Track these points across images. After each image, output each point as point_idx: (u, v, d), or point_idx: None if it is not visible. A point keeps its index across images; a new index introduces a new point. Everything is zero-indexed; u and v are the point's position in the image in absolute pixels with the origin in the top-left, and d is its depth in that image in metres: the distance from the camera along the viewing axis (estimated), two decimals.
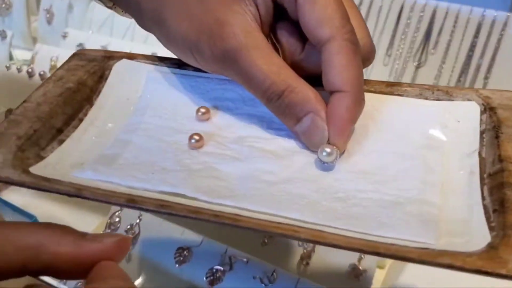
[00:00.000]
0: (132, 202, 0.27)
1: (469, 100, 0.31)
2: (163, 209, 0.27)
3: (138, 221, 0.53)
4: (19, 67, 0.74)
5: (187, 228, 0.52)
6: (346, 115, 0.29)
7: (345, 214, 0.27)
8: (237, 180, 0.29)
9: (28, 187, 0.29)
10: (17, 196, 0.61)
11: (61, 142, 0.32)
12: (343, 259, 0.50)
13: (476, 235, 0.25)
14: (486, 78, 0.61)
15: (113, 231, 0.53)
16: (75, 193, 0.28)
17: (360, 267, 0.49)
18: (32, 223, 0.24)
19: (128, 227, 0.53)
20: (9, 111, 0.66)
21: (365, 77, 0.31)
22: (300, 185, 0.29)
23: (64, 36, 0.80)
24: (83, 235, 0.24)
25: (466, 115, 0.31)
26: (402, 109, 0.32)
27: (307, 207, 0.27)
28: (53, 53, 0.76)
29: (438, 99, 0.32)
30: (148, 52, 0.45)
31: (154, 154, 0.32)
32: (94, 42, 0.76)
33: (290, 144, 0.32)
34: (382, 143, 0.31)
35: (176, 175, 0.30)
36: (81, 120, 0.34)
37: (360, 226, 0.26)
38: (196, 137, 0.32)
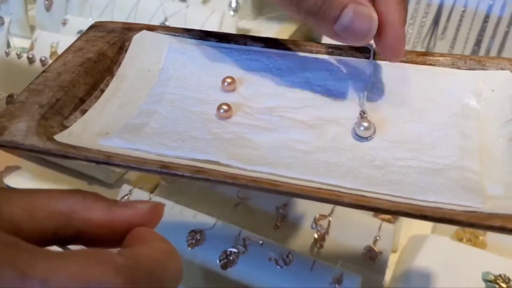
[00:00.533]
0: (166, 168, 0.26)
1: (502, 69, 0.31)
2: (199, 174, 0.26)
3: None
4: (18, 53, 0.72)
5: (199, 211, 0.51)
6: (397, 16, 0.26)
7: (385, 180, 0.26)
8: (270, 149, 0.29)
9: (54, 155, 0.28)
10: (20, 181, 0.59)
11: (83, 112, 0.31)
12: (358, 241, 0.49)
13: None
14: None
15: None
16: (105, 160, 0.27)
17: (376, 249, 0.48)
18: (63, 190, 0.23)
19: None
20: (10, 96, 0.65)
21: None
22: (335, 154, 0.28)
23: (64, 23, 0.78)
24: (115, 202, 0.23)
25: (500, 84, 0.30)
26: (436, 79, 0.31)
27: (345, 173, 0.27)
28: (54, 39, 0.74)
29: (470, 69, 0.31)
30: None
31: (182, 123, 0.31)
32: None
33: (322, 113, 0.31)
34: (417, 112, 0.30)
35: (208, 143, 0.29)
36: (102, 91, 0.33)
37: (402, 191, 0.25)
38: (225, 107, 0.31)
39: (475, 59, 0.32)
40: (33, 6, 0.92)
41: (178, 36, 0.36)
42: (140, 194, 0.53)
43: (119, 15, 0.76)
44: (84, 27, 0.76)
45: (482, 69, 0.31)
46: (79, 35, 0.76)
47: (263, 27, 0.83)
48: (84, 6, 0.81)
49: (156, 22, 0.72)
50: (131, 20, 0.75)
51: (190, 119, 0.31)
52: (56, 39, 0.74)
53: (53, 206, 0.22)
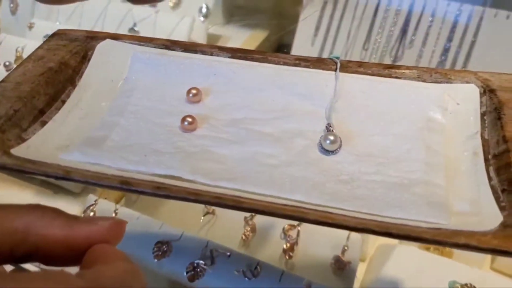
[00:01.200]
0: (126, 184, 0.25)
1: (467, 82, 0.31)
2: (160, 191, 0.25)
3: (114, 215, 0.51)
4: None
5: (166, 222, 0.50)
6: None
7: (351, 196, 0.26)
8: (236, 163, 0.28)
9: (11, 169, 0.26)
10: None
11: (43, 123, 0.30)
12: (327, 251, 0.49)
13: (487, 214, 0.24)
14: None
15: None
16: (64, 176, 0.26)
17: (344, 259, 0.48)
18: (20, 205, 0.22)
19: None
20: None
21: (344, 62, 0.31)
22: (303, 168, 0.28)
23: (30, 27, 0.76)
24: (75, 218, 0.22)
25: (465, 98, 0.30)
26: (402, 92, 0.31)
27: (311, 189, 0.26)
28: (19, 44, 0.72)
29: (436, 82, 0.31)
30: None
31: (145, 136, 0.30)
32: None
33: (288, 126, 0.30)
34: (382, 125, 0.30)
35: (171, 157, 0.28)
36: (63, 102, 0.32)
37: (367, 207, 0.25)
38: (189, 119, 0.30)
39: (441, 72, 0.32)
40: None
41: (143, 45, 0.35)
42: (106, 205, 0.52)
43: (87, 20, 0.74)
44: (51, 31, 0.75)
45: (447, 82, 0.31)
46: (45, 39, 0.75)
47: (233, 34, 0.83)
48: (52, 10, 0.80)
49: (125, 27, 0.71)
50: (99, 25, 0.74)
51: (154, 131, 0.30)
52: (21, 43, 0.72)
53: (9, 223, 0.21)
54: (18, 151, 0.27)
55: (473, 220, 0.24)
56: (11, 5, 0.81)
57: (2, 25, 0.83)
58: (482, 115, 0.29)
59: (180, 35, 0.68)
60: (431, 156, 0.28)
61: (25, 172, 0.26)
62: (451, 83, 0.31)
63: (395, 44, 0.65)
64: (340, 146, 0.29)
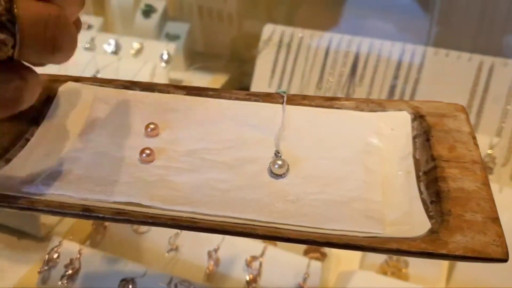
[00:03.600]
0: (88, 211, 0.27)
1: (400, 110, 0.34)
2: (120, 216, 0.27)
3: (78, 255, 0.52)
4: None
5: (130, 260, 0.51)
6: None
7: (297, 213, 0.28)
8: (191, 189, 0.30)
9: None
10: None
11: (8, 161, 0.32)
12: (289, 280, 0.51)
13: (418, 223, 0.27)
14: None
15: (52, 268, 0.51)
16: (28, 206, 0.27)
17: (305, 287, 0.50)
18: None
19: (68, 261, 0.51)
20: None
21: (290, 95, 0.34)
22: (253, 191, 0.30)
23: None
24: None
25: (399, 123, 0.34)
26: (342, 120, 0.34)
27: (261, 208, 0.28)
28: None
29: (372, 111, 0.35)
30: None
31: (105, 168, 0.32)
32: None
33: (241, 154, 0.33)
34: (326, 150, 0.33)
35: (130, 186, 0.30)
36: (27, 140, 0.34)
37: (311, 222, 0.27)
38: (147, 151, 0.32)
39: (376, 102, 0.35)
40: None
41: (104, 85, 0.37)
42: (70, 245, 0.52)
43: (50, 67, 0.76)
44: None
45: (382, 110, 0.35)
46: None
47: (195, 78, 0.86)
48: None
49: (88, 74, 0.74)
50: (62, 71, 0.75)
51: (114, 164, 0.32)
52: None
53: None
54: None
55: (405, 228, 0.27)
56: None
57: None
58: (414, 138, 0.32)
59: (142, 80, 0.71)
60: (369, 176, 0.31)
61: None
62: (385, 111, 0.34)
63: (346, 83, 0.69)
64: (287, 170, 0.31)
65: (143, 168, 0.32)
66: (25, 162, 0.32)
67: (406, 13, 0.79)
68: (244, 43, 0.89)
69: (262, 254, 0.52)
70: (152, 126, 0.34)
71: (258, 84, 0.72)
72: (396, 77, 0.67)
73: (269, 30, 0.72)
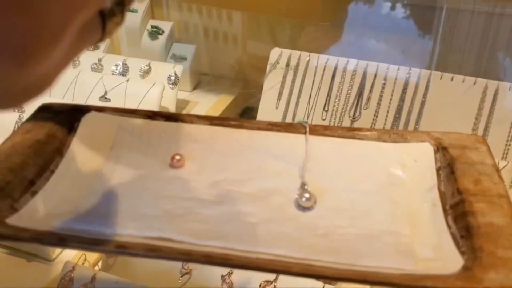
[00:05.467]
0: (121, 247, 0.27)
1: (422, 141, 0.35)
2: (153, 253, 0.27)
3: (92, 280, 0.51)
4: None
5: (143, 284, 0.51)
6: None
7: (328, 248, 0.28)
8: (220, 223, 0.30)
9: (6, 238, 0.28)
10: None
11: (34, 193, 0.32)
12: None
13: (449, 259, 0.27)
14: (415, 129, 0.66)
15: None
16: (59, 243, 0.27)
17: None
18: None
19: (81, 287, 0.51)
20: None
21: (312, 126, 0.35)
22: (281, 224, 0.30)
23: None
24: None
25: (421, 155, 0.34)
26: (365, 151, 0.35)
27: (291, 243, 0.29)
28: None
29: (395, 142, 0.35)
30: None
31: (133, 201, 0.32)
32: (33, 102, 0.75)
33: (265, 185, 0.33)
34: (351, 182, 0.33)
35: (159, 220, 0.30)
36: (52, 172, 0.34)
37: (344, 258, 0.27)
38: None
39: (398, 133, 0.36)
40: None
41: (127, 116, 0.38)
42: (84, 270, 0.52)
43: (59, 89, 0.76)
44: None
45: (404, 141, 0.35)
46: (16, 109, 0.76)
47: (201, 99, 0.87)
48: None
49: (96, 95, 0.74)
50: (70, 93, 0.76)
51: (141, 197, 0.32)
52: None
53: None
54: (12, 220, 0.29)
55: (437, 264, 0.27)
56: None
57: None
58: (438, 170, 0.33)
59: (150, 102, 0.71)
60: (395, 208, 0.31)
61: (19, 240, 0.28)
62: (407, 142, 0.35)
63: (353, 105, 0.70)
64: (315, 202, 0.32)
65: (170, 200, 0.32)
66: (52, 195, 0.32)
67: (409, 36, 0.80)
68: (249, 64, 0.90)
69: (276, 279, 0.52)
70: (177, 157, 0.35)
71: (266, 106, 0.73)
72: (402, 100, 0.67)
73: (276, 53, 0.72)
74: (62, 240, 0.27)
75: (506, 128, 0.65)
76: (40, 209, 0.31)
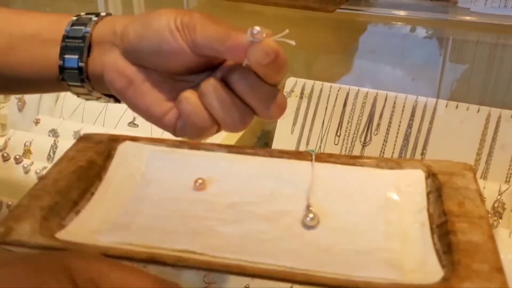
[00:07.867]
0: (152, 258, 0.32)
1: (415, 168, 0.39)
2: (180, 262, 0.32)
3: None
4: None
5: None
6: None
7: (329, 261, 0.33)
8: (237, 239, 0.35)
9: (57, 249, 0.33)
10: None
11: (77, 212, 0.37)
12: None
13: (432, 271, 0.31)
14: (422, 153, 0.71)
15: None
16: (101, 253, 0.33)
17: None
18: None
19: None
20: None
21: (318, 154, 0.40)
22: (289, 241, 0.35)
23: (36, 123, 0.85)
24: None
25: (414, 181, 0.39)
26: (364, 177, 0.39)
27: (297, 257, 0.33)
28: (27, 138, 0.80)
29: (391, 168, 0.40)
30: None
31: (162, 220, 0.37)
32: (67, 128, 0.82)
33: (276, 207, 0.38)
34: (351, 204, 0.38)
35: (185, 236, 0.35)
36: (93, 194, 0.39)
37: (342, 270, 0.32)
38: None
39: (394, 161, 0.40)
40: (3, 106, 0.98)
41: (157, 145, 0.43)
42: None
43: (89, 116, 0.83)
44: (56, 126, 0.83)
45: (400, 168, 0.40)
46: (51, 134, 0.82)
47: None
48: (55, 106, 0.88)
49: (124, 121, 0.80)
50: (100, 120, 0.82)
51: (169, 216, 0.37)
52: (29, 137, 0.80)
53: None
54: (60, 235, 0.34)
55: (421, 276, 0.31)
56: (19, 103, 0.89)
57: (9, 121, 0.91)
58: (428, 193, 0.37)
59: None
60: (389, 227, 0.36)
61: None
62: (402, 169, 0.40)
63: (364, 131, 0.74)
64: (318, 222, 0.36)
65: (194, 220, 0.37)
66: (92, 214, 0.38)
67: (417, 65, 0.85)
68: None
69: None
70: (200, 181, 0.40)
71: (281, 131, 0.78)
72: (410, 126, 0.72)
73: (291, 82, 0.78)
74: (104, 252, 0.33)
75: (508, 153, 0.69)
76: (83, 226, 0.36)
